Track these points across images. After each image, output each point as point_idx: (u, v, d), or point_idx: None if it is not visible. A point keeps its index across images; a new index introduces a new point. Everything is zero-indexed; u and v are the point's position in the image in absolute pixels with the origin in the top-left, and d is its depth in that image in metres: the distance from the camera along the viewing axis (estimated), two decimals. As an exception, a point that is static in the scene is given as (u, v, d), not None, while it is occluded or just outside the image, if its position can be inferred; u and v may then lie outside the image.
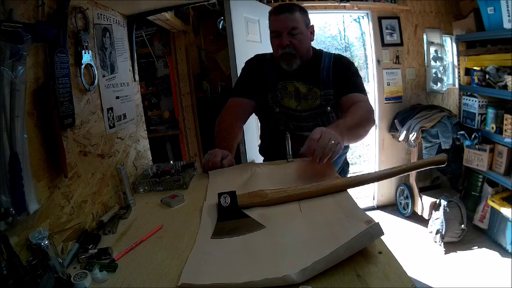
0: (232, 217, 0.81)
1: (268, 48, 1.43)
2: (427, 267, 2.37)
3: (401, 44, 3.13)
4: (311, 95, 1.32)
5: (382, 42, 3.10)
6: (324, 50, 1.41)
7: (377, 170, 3.26)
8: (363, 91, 1.29)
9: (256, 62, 1.44)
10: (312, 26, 1.34)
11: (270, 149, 1.47)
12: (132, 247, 0.76)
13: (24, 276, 0.57)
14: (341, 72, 1.31)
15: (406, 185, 3.13)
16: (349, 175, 1.53)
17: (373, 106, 3.12)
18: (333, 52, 1.42)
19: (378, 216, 3.15)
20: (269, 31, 1.32)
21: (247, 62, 1.47)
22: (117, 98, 1.16)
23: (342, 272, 0.59)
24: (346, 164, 1.52)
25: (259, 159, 1.55)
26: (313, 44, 1.38)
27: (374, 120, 1.22)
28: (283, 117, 1.35)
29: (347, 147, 1.48)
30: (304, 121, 1.33)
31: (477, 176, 2.75)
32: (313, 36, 1.35)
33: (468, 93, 2.78)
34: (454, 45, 3.01)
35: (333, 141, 0.94)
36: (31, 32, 0.65)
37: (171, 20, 2.30)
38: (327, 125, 1.32)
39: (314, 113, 1.33)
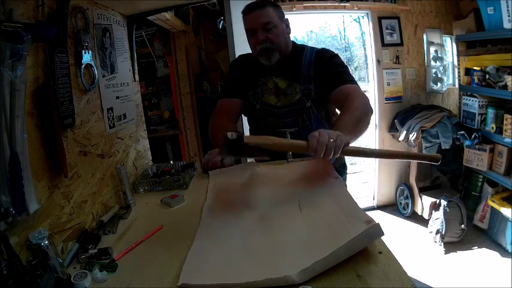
0: (238, 152, 0.88)
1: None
2: (427, 267, 2.36)
3: (401, 44, 3.13)
4: (290, 90, 1.31)
5: (382, 42, 3.10)
6: (308, 45, 1.40)
7: (376, 169, 3.28)
8: (352, 81, 1.25)
9: (239, 61, 1.47)
10: (287, 19, 1.33)
11: None
12: (132, 247, 0.76)
13: (24, 276, 0.57)
14: (324, 66, 1.27)
15: (406, 185, 3.13)
16: (348, 173, 1.53)
17: (373, 106, 3.14)
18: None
19: (378, 216, 3.15)
20: (245, 31, 1.32)
21: (231, 63, 1.50)
22: (117, 98, 1.16)
23: (342, 272, 0.59)
24: (342, 166, 1.48)
25: (259, 159, 1.56)
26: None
27: (372, 109, 1.17)
28: (263, 114, 1.36)
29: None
30: (283, 117, 1.33)
31: (477, 176, 2.75)
32: (289, 29, 1.34)
33: (468, 93, 2.78)
34: (454, 45, 3.01)
35: (331, 139, 0.91)
36: (31, 32, 0.65)
37: (171, 20, 2.30)
38: (307, 121, 1.32)
39: (293, 109, 1.32)
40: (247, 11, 1.28)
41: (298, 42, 1.41)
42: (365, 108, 1.13)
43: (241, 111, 1.44)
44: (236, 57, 1.50)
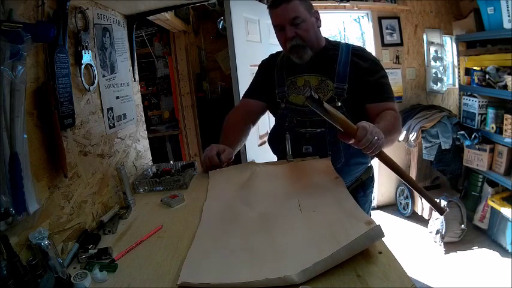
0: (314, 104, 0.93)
1: (267, 48, 1.41)
2: (427, 267, 2.36)
3: (401, 44, 3.13)
4: (322, 88, 1.25)
5: (382, 42, 3.10)
6: (341, 41, 1.34)
7: (376, 169, 3.27)
8: (393, 98, 1.23)
9: (268, 60, 1.43)
10: (316, 11, 1.27)
11: (273, 142, 1.44)
12: (132, 247, 0.76)
13: (24, 276, 0.57)
14: (366, 71, 1.21)
15: (406, 185, 3.13)
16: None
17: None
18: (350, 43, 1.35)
19: (378, 216, 3.15)
20: (273, 27, 1.27)
21: (261, 62, 1.46)
22: (117, 98, 1.16)
23: (342, 272, 0.59)
24: (370, 179, 1.39)
25: (259, 159, 1.55)
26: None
27: (401, 130, 1.19)
28: (288, 113, 1.30)
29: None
30: (309, 116, 1.25)
31: (477, 176, 2.75)
32: (320, 22, 1.29)
33: (468, 93, 2.78)
34: (454, 45, 3.01)
35: (376, 137, 0.93)
36: (31, 32, 0.65)
37: (171, 20, 2.30)
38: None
39: None
40: (273, 6, 1.21)
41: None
42: (398, 127, 1.16)
43: (261, 112, 1.44)
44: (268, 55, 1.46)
